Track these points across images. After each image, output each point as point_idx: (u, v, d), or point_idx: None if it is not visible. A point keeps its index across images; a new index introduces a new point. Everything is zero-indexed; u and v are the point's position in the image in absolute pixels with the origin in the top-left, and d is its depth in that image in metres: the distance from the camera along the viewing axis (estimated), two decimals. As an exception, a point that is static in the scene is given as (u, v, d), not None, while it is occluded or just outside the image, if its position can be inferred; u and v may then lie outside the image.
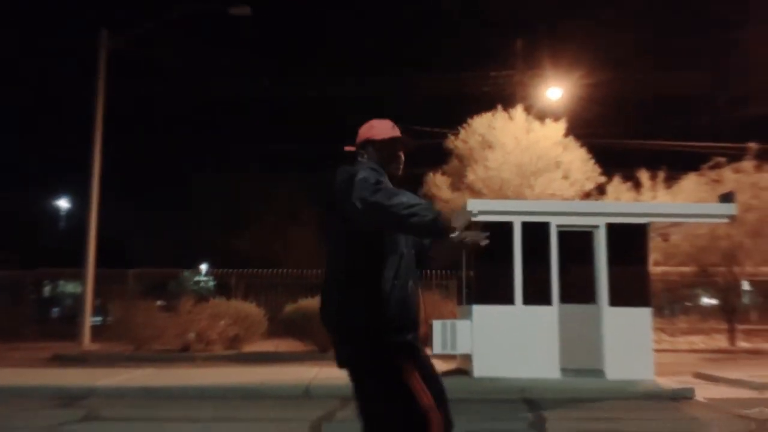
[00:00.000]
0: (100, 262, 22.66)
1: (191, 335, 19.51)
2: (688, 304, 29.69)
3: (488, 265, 13.36)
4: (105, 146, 22.66)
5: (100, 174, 22.45)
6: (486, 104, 25.39)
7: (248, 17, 23.18)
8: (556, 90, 27.89)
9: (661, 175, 23.77)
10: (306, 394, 11.44)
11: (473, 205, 13.39)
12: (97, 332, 22.00)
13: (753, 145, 22.97)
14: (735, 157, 23.29)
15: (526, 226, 13.31)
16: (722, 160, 23.16)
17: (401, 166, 4.62)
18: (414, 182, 26.48)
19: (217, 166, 40.23)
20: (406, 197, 3.91)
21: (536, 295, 13.05)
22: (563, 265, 13.22)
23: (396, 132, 4.58)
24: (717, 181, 22.54)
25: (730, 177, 22.44)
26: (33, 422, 8.95)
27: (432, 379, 4.24)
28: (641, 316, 12.99)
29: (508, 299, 13.05)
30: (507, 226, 13.28)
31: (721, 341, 23.64)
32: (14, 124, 55.73)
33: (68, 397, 10.98)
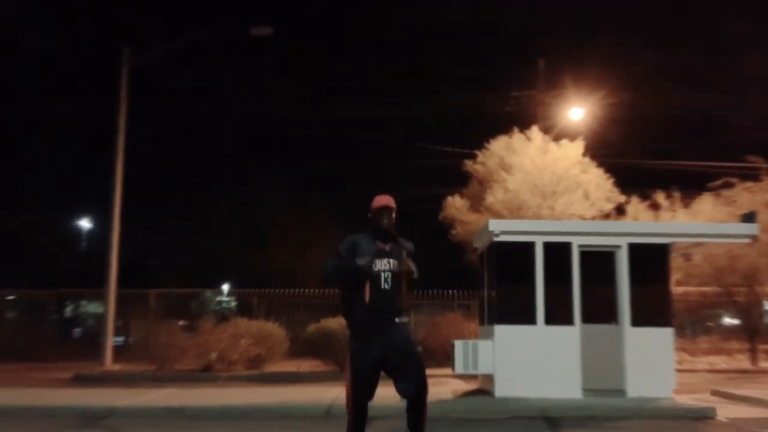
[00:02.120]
0: (122, 282, 22.73)
1: (213, 355, 19.55)
2: (709, 324, 29.53)
3: (510, 285, 13.36)
4: (126, 165, 22.78)
5: (122, 194, 22.55)
6: (507, 123, 25.34)
7: (269, 38, 23.29)
8: (578, 110, 27.85)
9: (678, 195, 23.69)
10: (328, 414, 11.43)
11: (495, 225, 13.40)
12: (119, 352, 22.07)
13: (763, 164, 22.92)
14: (751, 176, 23.21)
15: (547, 246, 13.29)
16: (734, 180, 23.10)
17: (385, 221, 6.98)
18: (435, 203, 26.52)
19: (238, 186, 40.30)
20: (328, 265, 6.93)
21: (558, 315, 13.02)
22: (585, 285, 13.19)
23: (380, 203, 7.05)
24: (734, 201, 22.45)
25: (743, 196, 22.36)
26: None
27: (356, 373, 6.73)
28: (663, 336, 12.96)
29: (530, 319, 13.02)
30: (529, 247, 13.28)
31: (742, 361, 23.48)
32: (35, 143, 56.08)
33: (90, 417, 11.03)
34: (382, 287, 6.76)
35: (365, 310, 6.72)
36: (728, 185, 23.13)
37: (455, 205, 26.03)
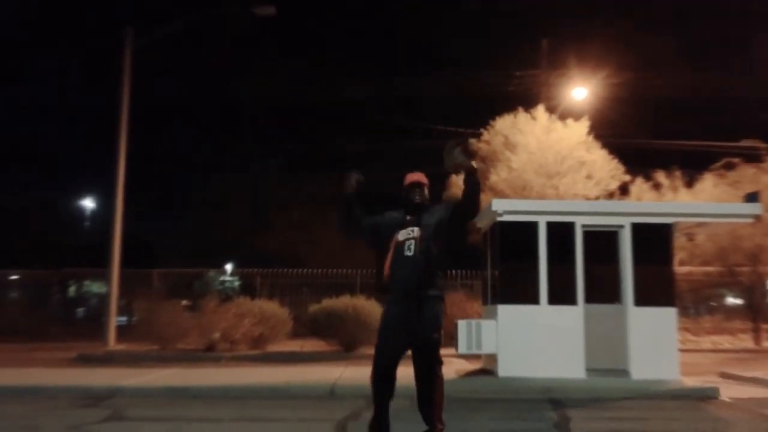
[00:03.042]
0: (125, 262, 22.72)
1: (216, 335, 19.57)
2: (713, 303, 29.54)
3: (513, 265, 13.35)
4: (130, 145, 22.72)
5: (125, 173, 22.50)
6: (511, 104, 25.27)
7: (273, 18, 23.19)
8: (581, 90, 27.81)
9: (681, 174, 23.66)
10: (332, 394, 11.44)
11: (498, 205, 13.35)
12: (123, 332, 22.09)
13: (761, 144, 22.91)
14: (754, 156, 23.18)
15: (551, 225, 13.26)
16: (735, 161, 23.07)
17: (417, 197, 7.27)
18: (438, 182, 26.44)
19: (242, 166, 40.27)
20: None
21: (561, 294, 13.01)
22: (588, 265, 13.17)
23: (411, 180, 7.34)
24: (737, 182, 22.41)
25: (747, 175, 22.31)
26: (58, 422, 8.97)
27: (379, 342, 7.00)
28: (666, 315, 12.94)
29: (534, 299, 13.01)
30: (532, 226, 13.25)
31: (746, 341, 23.53)
32: (38, 122, 56.00)
33: (93, 397, 11.03)
34: (405, 254, 6.97)
35: (386, 275, 7.02)
36: (729, 166, 23.11)
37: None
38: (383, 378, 6.85)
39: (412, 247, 6.96)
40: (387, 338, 6.95)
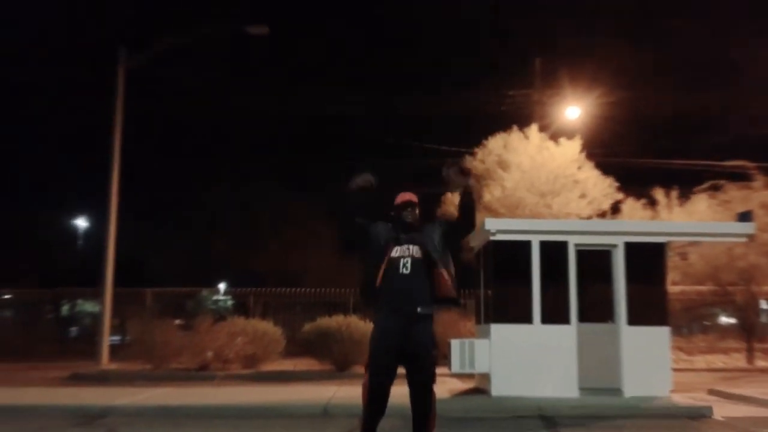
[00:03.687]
0: (118, 281, 22.71)
1: (209, 354, 19.56)
2: (706, 323, 29.58)
3: (506, 284, 13.38)
4: (123, 163, 22.72)
5: (118, 192, 22.51)
6: (504, 123, 25.35)
7: (266, 37, 23.26)
8: (574, 109, 27.93)
9: (674, 193, 23.73)
10: (325, 413, 11.43)
11: (491, 224, 13.39)
12: (116, 351, 22.05)
13: (750, 164, 23.06)
14: (744, 176, 23.28)
15: (544, 245, 13.30)
16: (722, 182, 23.19)
17: (408, 216, 7.26)
18: (431, 202, 26.47)
19: (235, 185, 40.22)
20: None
21: (555, 314, 13.03)
22: (581, 284, 13.20)
23: (403, 199, 7.32)
24: (728, 202, 22.50)
25: (737, 196, 22.40)
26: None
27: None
28: (659, 335, 12.99)
29: (527, 318, 13.02)
30: (525, 245, 13.28)
31: (739, 360, 23.52)
32: (31, 142, 55.94)
33: (87, 416, 11.00)
34: (401, 272, 6.93)
35: (378, 291, 6.96)
36: (716, 188, 23.22)
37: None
38: (377, 394, 6.81)
39: (408, 265, 6.93)
40: (379, 355, 6.89)
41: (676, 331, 21.79)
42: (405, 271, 6.92)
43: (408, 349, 6.84)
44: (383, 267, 6.96)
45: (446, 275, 6.98)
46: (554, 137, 25.12)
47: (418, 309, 6.89)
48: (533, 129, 24.95)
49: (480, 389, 13.85)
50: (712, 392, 14.22)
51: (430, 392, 6.91)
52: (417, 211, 7.31)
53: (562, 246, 13.31)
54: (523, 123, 25.54)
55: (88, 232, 47.07)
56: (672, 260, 15.93)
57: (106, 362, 21.31)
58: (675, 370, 13.71)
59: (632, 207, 23.94)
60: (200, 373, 18.98)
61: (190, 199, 43.03)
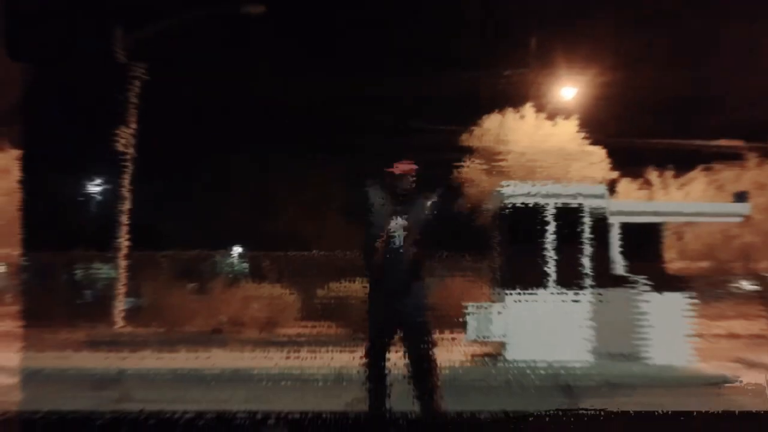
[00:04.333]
0: (133, 244, 22.70)
1: (223, 318, 19.53)
2: (720, 291, 29.39)
3: (521, 249, 13.25)
4: (138, 127, 22.70)
5: (133, 156, 22.49)
6: (500, 102, 25.26)
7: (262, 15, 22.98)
8: (570, 89, 27.73)
9: (671, 174, 23.67)
10: (340, 377, 11.36)
11: (506, 188, 13.28)
12: (130, 315, 22.07)
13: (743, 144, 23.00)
14: (736, 156, 23.20)
15: (559, 209, 13.16)
16: (718, 165, 23.09)
17: (405, 186, 7.30)
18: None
19: (249, 148, 40.06)
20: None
21: (570, 279, 12.90)
22: (598, 249, 13.08)
23: (401, 170, 7.30)
24: (716, 180, 22.47)
25: (729, 176, 22.33)
26: (66, 405, 8.91)
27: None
28: (680, 300, 12.84)
29: (542, 283, 12.92)
30: (540, 210, 13.14)
31: (762, 325, 23.36)
32: (43, 105, 55.95)
33: (100, 380, 10.98)
34: (392, 245, 7.08)
35: (376, 263, 7.13)
36: (708, 170, 23.15)
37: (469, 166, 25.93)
38: (379, 355, 7.17)
39: (400, 238, 7.07)
40: (377, 319, 7.24)
41: (696, 297, 21.69)
42: (396, 244, 7.05)
43: (404, 319, 7.06)
44: (381, 239, 7.07)
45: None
46: (550, 117, 25.13)
47: (411, 280, 7.05)
48: (529, 108, 24.98)
49: (495, 355, 13.74)
50: (734, 359, 14.09)
51: (430, 359, 7.06)
52: (413, 181, 7.36)
53: (578, 210, 13.16)
54: (519, 102, 25.59)
55: (103, 196, 47.09)
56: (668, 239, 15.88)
57: (120, 326, 21.30)
58: (696, 335, 13.50)
59: (628, 187, 23.95)
60: (215, 337, 18.95)
61: (205, 163, 42.97)
